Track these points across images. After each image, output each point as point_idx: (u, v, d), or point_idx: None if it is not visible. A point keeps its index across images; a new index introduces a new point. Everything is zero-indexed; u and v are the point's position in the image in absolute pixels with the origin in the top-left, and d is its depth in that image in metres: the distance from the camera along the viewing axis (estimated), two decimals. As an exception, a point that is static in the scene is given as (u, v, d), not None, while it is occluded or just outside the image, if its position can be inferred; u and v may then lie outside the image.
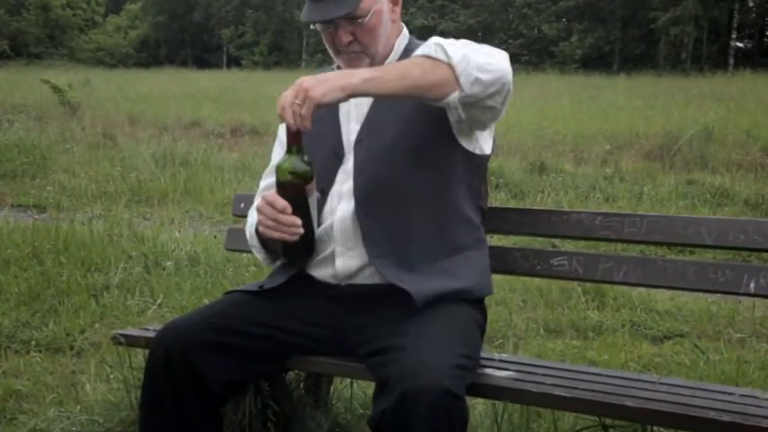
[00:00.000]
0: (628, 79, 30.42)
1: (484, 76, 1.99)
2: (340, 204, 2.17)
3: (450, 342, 1.98)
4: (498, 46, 2.14)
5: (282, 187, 2.00)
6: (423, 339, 1.96)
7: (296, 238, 2.01)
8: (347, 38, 2.15)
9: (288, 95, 1.91)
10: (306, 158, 2.00)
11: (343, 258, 2.17)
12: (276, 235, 2.02)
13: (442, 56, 1.99)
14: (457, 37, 2.11)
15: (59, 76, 20.68)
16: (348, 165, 2.19)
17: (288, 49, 60.40)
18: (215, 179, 8.80)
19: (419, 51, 2.03)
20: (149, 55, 63.01)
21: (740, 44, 48.34)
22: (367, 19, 2.13)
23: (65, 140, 11.63)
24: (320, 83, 1.90)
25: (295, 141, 1.99)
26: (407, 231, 2.14)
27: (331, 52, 2.21)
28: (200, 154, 10.50)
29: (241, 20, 62.90)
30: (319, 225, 2.17)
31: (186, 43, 66.09)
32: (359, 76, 1.94)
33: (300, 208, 2.00)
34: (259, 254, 2.31)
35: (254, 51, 59.75)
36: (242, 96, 20.03)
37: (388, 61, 2.22)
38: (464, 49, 2.01)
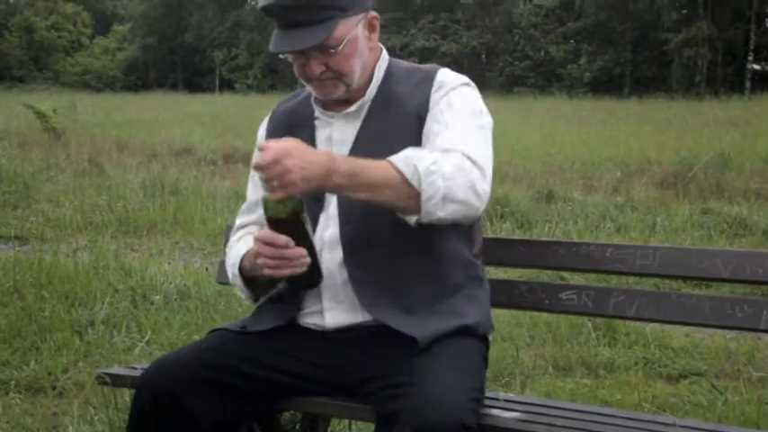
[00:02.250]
0: (639, 103, 30.56)
1: (446, 213, 1.98)
2: (323, 255, 2.14)
3: (460, 375, 1.99)
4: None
5: (277, 223, 1.97)
6: (433, 373, 1.96)
7: (305, 267, 1.99)
8: (319, 68, 2.11)
9: (265, 160, 1.86)
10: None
11: (332, 313, 2.16)
12: (286, 272, 1.98)
13: (415, 183, 1.96)
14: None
15: (43, 100, 20.74)
16: (331, 209, 2.16)
17: (283, 72, 60.58)
18: (206, 208, 8.81)
19: (401, 158, 1.96)
20: (138, 78, 63.36)
21: (757, 66, 48.58)
22: (340, 48, 2.08)
23: (49, 168, 11.65)
24: (302, 168, 1.87)
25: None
26: (401, 278, 2.13)
27: (302, 80, 2.19)
28: (190, 182, 10.52)
29: (234, 42, 63.28)
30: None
31: (177, 66, 66.44)
32: (340, 168, 1.92)
33: (301, 237, 1.99)
34: (243, 293, 2.29)
35: (247, 74, 60.10)
36: (235, 121, 20.13)
37: (369, 90, 2.20)
38: (442, 179, 1.96)
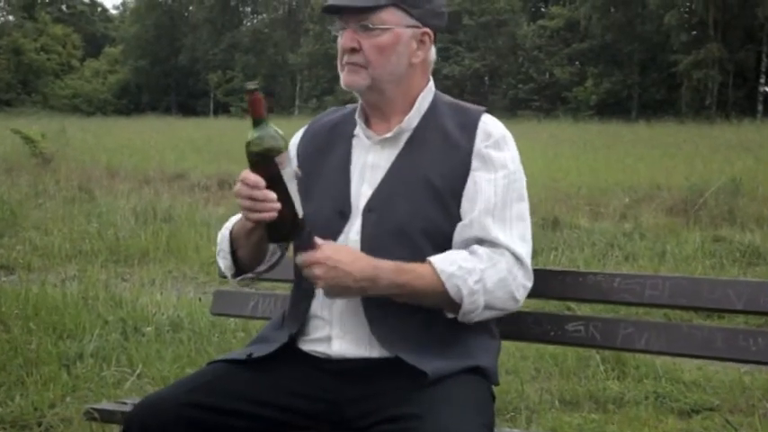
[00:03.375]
0: (647, 127, 30.66)
1: (483, 318, 2.12)
2: None
3: (470, 410, 2.00)
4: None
5: (252, 165, 2.01)
6: (442, 408, 1.96)
7: (274, 215, 2.00)
8: (351, 43, 2.16)
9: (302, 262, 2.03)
10: (274, 130, 2.00)
11: (341, 342, 2.16)
12: (255, 216, 2.01)
13: (457, 300, 2.06)
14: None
15: (32, 124, 20.84)
16: (352, 232, 2.17)
17: (280, 95, 61.02)
18: (200, 236, 8.80)
19: (446, 272, 2.05)
20: (130, 102, 63.69)
21: (769, 89, 48.84)
22: (377, 31, 2.14)
23: (37, 195, 11.67)
24: (334, 279, 2.02)
25: (259, 113, 2.00)
26: (417, 319, 2.12)
27: (339, 66, 2.22)
28: (184, 209, 10.52)
29: (229, 64, 63.66)
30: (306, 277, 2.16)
31: (170, 89, 66.84)
32: (381, 282, 2.05)
33: (274, 181, 2.00)
34: (224, 261, 2.29)
35: (243, 97, 60.12)
36: (230, 146, 20.13)
37: (409, 118, 2.22)
38: (484, 295, 2.07)
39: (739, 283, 2.28)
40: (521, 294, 2.13)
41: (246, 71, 62.27)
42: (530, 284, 2.15)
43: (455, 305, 2.08)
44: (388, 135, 2.21)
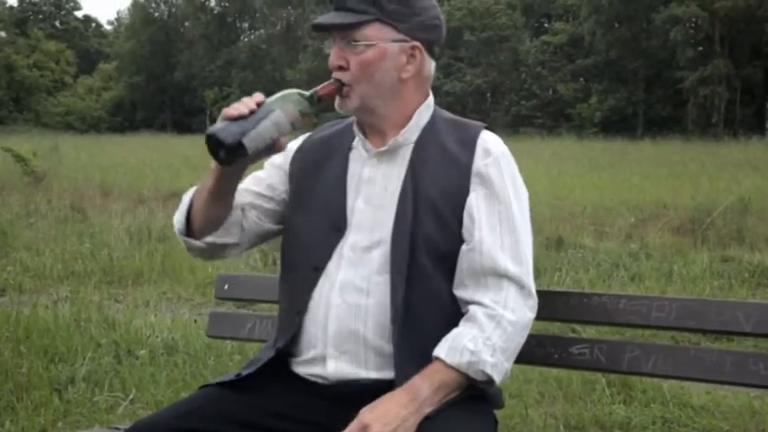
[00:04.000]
0: (653, 145, 30.74)
1: (512, 363, 2.14)
2: (333, 298, 2.14)
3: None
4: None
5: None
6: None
7: (234, 113, 2.08)
8: (338, 60, 2.17)
9: None
10: (311, 110, 2.14)
11: (336, 362, 2.14)
12: (225, 109, 2.11)
13: (485, 378, 2.05)
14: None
15: (24, 142, 20.86)
16: (346, 247, 2.17)
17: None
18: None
19: (464, 362, 2.03)
20: (124, 119, 63.89)
21: (777, 106, 48.97)
22: (362, 47, 2.14)
23: (28, 214, 11.67)
24: (389, 424, 1.94)
25: (320, 89, 2.16)
26: (423, 336, 2.11)
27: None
28: (179, 228, 10.51)
29: (226, 80, 63.91)
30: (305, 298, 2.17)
31: (165, 106, 67.04)
32: (424, 401, 1.99)
33: (264, 109, 2.10)
34: (178, 213, 2.37)
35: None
36: (226, 164, 20.18)
37: (406, 132, 2.21)
38: (506, 360, 2.08)
39: (748, 304, 2.27)
40: (529, 327, 2.14)
41: (244, 87, 62.37)
42: (534, 314, 2.15)
43: (488, 381, 2.08)
44: (383, 148, 2.21)
